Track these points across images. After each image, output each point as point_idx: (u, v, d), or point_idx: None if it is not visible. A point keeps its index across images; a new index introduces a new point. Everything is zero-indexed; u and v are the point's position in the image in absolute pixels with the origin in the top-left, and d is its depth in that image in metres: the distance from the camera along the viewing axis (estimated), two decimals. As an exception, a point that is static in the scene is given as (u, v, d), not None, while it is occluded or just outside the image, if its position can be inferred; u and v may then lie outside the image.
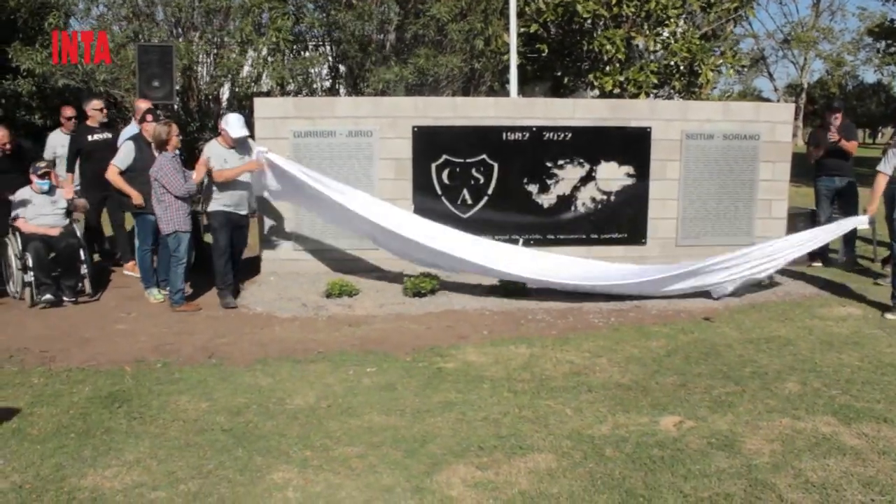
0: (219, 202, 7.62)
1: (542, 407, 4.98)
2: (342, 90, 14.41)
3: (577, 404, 5.02)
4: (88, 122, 8.65)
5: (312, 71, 13.77)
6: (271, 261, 8.77)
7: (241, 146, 7.65)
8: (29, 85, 13.05)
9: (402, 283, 8.00)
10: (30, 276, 7.42)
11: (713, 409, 4.92)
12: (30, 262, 7.39)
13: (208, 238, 8.52)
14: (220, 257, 7.64)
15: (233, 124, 7.52)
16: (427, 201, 8.77)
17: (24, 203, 7.66)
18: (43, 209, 7.71)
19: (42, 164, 7.85)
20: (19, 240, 7.57)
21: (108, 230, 9.52)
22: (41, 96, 14.22)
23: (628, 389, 5.28)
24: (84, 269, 7.79)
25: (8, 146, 8.03)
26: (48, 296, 7.41)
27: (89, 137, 8.53)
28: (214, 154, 7.51)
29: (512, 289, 7.78)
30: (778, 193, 9.29)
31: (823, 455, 4.25)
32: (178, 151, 7.35)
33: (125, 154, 7.76)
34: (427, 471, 4.11)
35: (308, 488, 3.93)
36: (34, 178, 7.67)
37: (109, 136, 8.55)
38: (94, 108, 8.67)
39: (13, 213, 7.68)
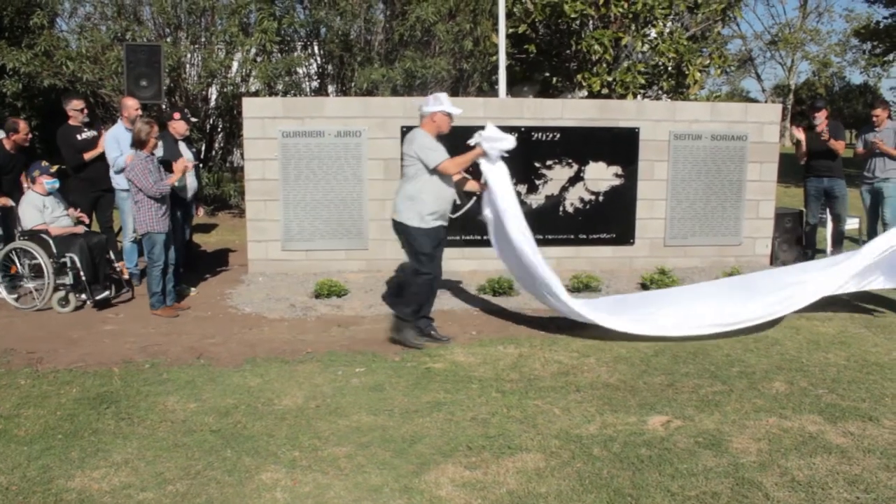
0: (427, 211, 6.10)
1: (530, 407, 4.99)
2: (331, 90, 14.39)
3: (565, 404, 5.04)
4: (71, 122, 8.53)
5: (300, 71, 13.75)
6: (260, 261, 8.77)
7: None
8: (14, 85, 12.95)
9: (390, 284, 7.99)
10: (66, 279, 7.30)
11: (700, 409, 4.94)
12: (78, 264, 7.29)
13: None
14: (428, 287, 6.33)
15: (448, 101, 6.16)
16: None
17: (37, 208, 7.53)
18: (56, 211, 7.63)
19: (47, 163, 7.78)
20: (53, 244, 7.35)
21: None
22: (27, 96, 14.11)
23: (616, 389, 5.30)
24: (116, 265, 7.79)
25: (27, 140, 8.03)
26: (105, 294, 7.43)
27: (78, 136, 8.47)
28: (430, 146, 6.08)
29: (500, 289, 7.79)
30: (765, 194, 9.35)
31: (810, 454, 4.28)
32: (153, 153, 7.15)
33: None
34: (415, 471, 4.11)
35: (296, 489, 3.93)
36: (43, 179, 7.51)
37: (96, 133, 8.50)
38: (75, 109, 8.43)
39: (29, 223, 7.48)
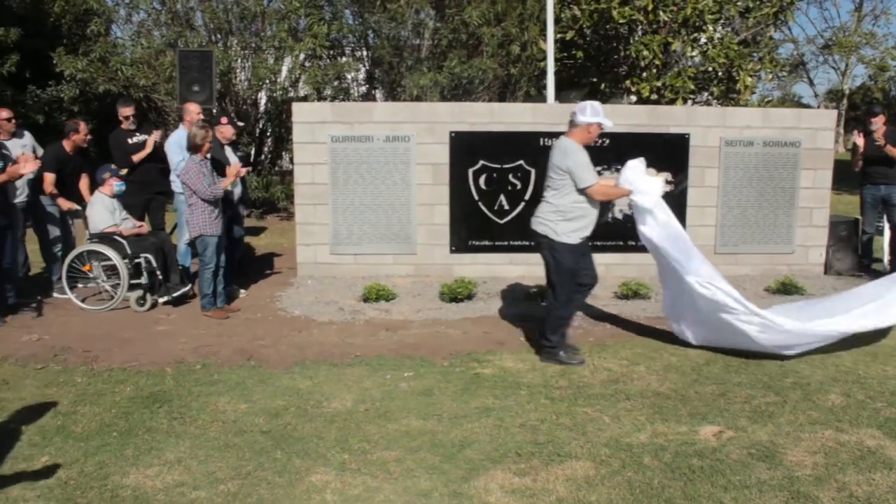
0: (575, 227, 5.85)
1: (579, 414, 4.95)
2: (378, 95, 14.49)
3: (614, 412, 4.99)
4: (123, 126, 8.69)
5: (349, 76, 13.87)
6: (309, 264, 8.85)
7: None
8: (72, 90, 13.29)
9: (438, 288, 8.00)
10: (142, 279, 7.50)
11: (753, 420, 4.86)
12: (154, 264, 7.55)
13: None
14: (566, 305, 6.06)
15: (602, 111, 5.86)
16: (464, 207, 8.80)
17: (108, 209, 7.75)
18: (122, 213, 7.90)
19: (115, 166, 8.03)
20: (127, 245, 7.55)
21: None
22: (83, 101, 14.48)
23: (667, 398, 5.24)
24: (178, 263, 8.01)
25: (86, 141, 8.20)
26: (183, 290, 7.70)
27: (129, 140, 8.63)
28: (585, 164, 5.78)
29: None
30: (819, 201, 9.18)
31: (868, 469, 4.17)
32: (207, 156, 7.27)
33: None
34: (465, 476, 4.10)
35: (346, 491, 3.95)
36: (113, 181, 7.75)
37: (146, 137, 8.65)
38: (123, 115, 8.67)
39: (100, 224, 7.68)
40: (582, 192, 5.78)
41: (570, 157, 5.75)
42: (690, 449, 4.43)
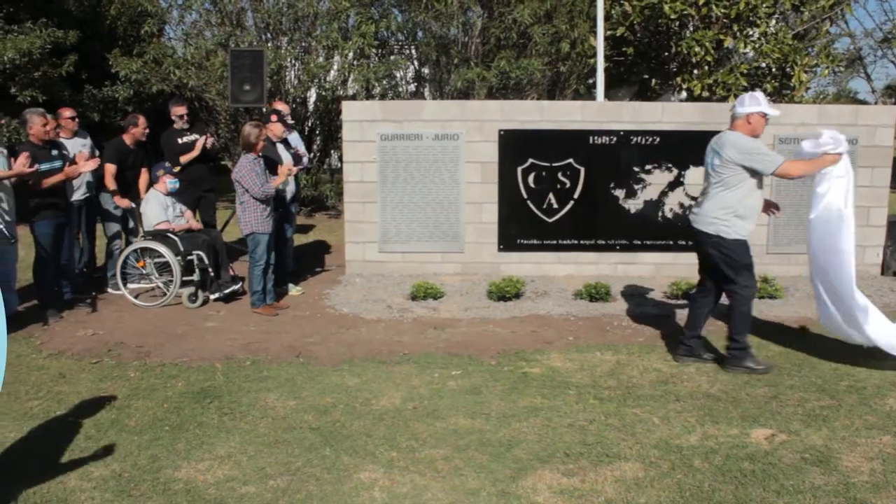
0: (744, 222, 5.64)
1: (628, 415, 4.90)
2: (427, 94, 14.51)
3: (664, 413, 4.93)
4: (175, 126, 8.83)
5: (397, 74, 13.91)
6: (357, 262, 8.91)
7: None
8: (126, 91, 13.56)
9: (486, 286, 7.99)
10: (194, 276, 7.67)
11: (807, 423, 4.75)
12: (206, 261, 7.70)
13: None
14: (749, 301, 5.76)
15: (765, 101, 5.59)
16: (512, 205, 8.78)
17: (162, 206, 7.93)
18: (175, 209, 8.07)
19: (170, 164, 8.21)
20: (180, 242, 7.71)
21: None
22: (137, 101, 14.74)
23: (717, 400, 5.16)
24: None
25: (145, 135, 8.34)
26: (234, 287, 7.87)
27: (179, 140, 8.76)
28: (761, 150, 5.53)
29: (596, 294, 7.68)
30: (877, 200, 8.95)
31: (928, 475, 4.06)
32: (259, 156, 7.33)
33: None
34: (513, 475, 4.09)
35: (394, 489, 3.96)
36: (166, 178, 7.95)
37: (196, 137, 8.77)
38: (175, 115, 8.81)
39: (154, 220, 7.85)
40: (761, 180, 5.58)
41: (741, 148, 5.50)
42: (742, 452, 4.36)
